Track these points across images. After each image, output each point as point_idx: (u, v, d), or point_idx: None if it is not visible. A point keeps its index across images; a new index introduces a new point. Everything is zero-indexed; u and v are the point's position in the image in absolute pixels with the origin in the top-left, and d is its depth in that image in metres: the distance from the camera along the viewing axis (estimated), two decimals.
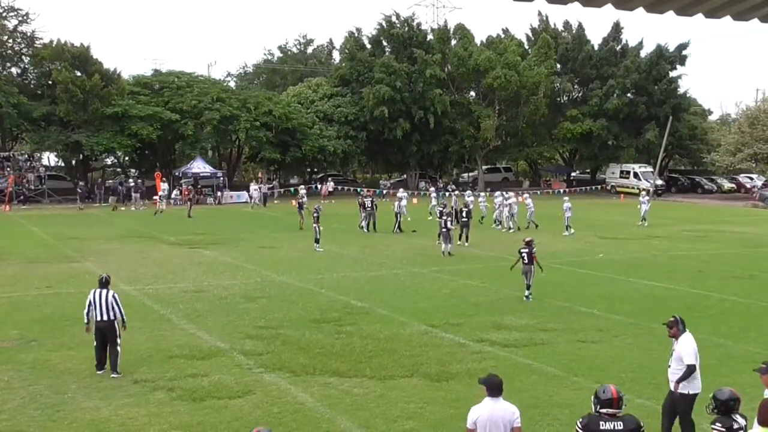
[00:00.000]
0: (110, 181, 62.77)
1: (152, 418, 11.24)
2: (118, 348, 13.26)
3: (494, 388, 7.83)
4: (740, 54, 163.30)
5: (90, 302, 13.32)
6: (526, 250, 20.59)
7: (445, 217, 29.52)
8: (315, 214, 31.08)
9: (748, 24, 7.86)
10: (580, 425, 7.05)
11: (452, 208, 35.82)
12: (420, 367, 13.78)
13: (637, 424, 7.08)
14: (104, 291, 13.32)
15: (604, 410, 7.06)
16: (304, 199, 41.29)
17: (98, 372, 13.22)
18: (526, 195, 40.49)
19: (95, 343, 13.33)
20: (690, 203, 63.58)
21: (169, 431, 10.75)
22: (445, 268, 25.90)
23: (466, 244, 31.73)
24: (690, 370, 9.79)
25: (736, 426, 7.13)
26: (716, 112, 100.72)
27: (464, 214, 32.72)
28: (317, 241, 30.34)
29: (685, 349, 9.88)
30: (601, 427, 6.93)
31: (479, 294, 21.24)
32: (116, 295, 13.46)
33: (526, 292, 20.42)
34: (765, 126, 65.60)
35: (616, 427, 6.94)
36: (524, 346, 15.44)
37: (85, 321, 13.50)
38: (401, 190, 47.88)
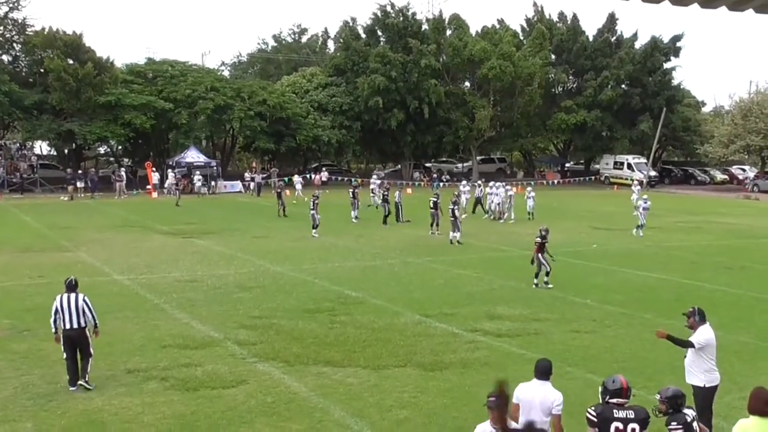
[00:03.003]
0: (92, 170, 62.35)
1: (145, 407, 11.23)
2: (90, 358, 12.13)
3: (542, 371, 8.07)
4: (734, 46, 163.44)
5: (57, 309, 12.02)
6: (538, 239, 20.66)
7: (451, 206, 29.79)
8: (313, 201, 31.13)
9: (743, 15, 7.85)
10: (594, 413, 7.12)
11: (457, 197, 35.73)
12: (414, 357, 13.80)
13: (646, 413, 7.19)
14: (73, 295, 12.07)
15: (613, 400, 7.17)
16: (282, 186, 41.99)
17: (71, 388, 11.90)
18: (529, 188, 40.40)
19: (65, 356, 12.00)
20: (683, 194, 63.71)
21: (162, 421, 10.74)
22: (439, 258, 25.91)
23: (438, 231, 32.05)
24: (687, 344, 9.75)
25: (689, 419, 7.21)
26: (710, 104, 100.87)
27: (432, 204, 32.94)
28: (315, 227, 30.46)
29: (699, 336, 9.77)
30: (615, 415, 7.03)
31: (473, 284, 21.26)
32: (87, 299, 12.18)
33: (535, 280, 20.63)
34: (758, 118, 65.74)
35: (628, 416, 7.05)
36: (517, 336, 15.48)
37: (53, 330, 12.18)
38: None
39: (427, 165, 77.42)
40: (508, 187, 39.84)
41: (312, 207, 31.02)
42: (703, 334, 9.78)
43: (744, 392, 7.87)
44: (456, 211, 29.74)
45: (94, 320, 12.22)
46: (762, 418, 6.94)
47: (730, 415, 9.94)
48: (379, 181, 47.30)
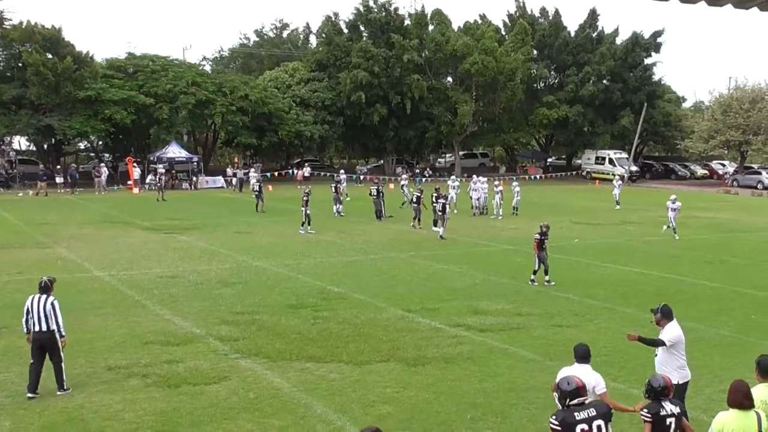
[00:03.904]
0: (73, 165, 61.83)
1: (127, 404, 11.15)
2: (62, 363, 11.65)
3: (581, 355, 8.60)
4: (714, 42, 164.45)
5: (28, 309, 11.61)
6: (538, 236, 20.59)
7: (442, 201, 30.05)
8: (305, 198, 31.04)
9: (721, 11, 7.88)
10: (556, 421, 6.84)
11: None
12: (396, 352, 13.79)
13: (607, 407, 7.13)
14: (43, 297, 11.60)
15: (573, 402, 6.97)
16: (260, 183, 41.73)
17: (29, 395, 11.37)
18: (514, 183, 40.45)
19: (31, 360, 11.60)
20: (664, 189, 64.01)
21: (143, 418, 10.67)
22: (421, 253, 25.92)
23: (420, 226, 32.30)
24: (658, 343, 9.71)
25: (663, 412, 7.16)
26: (690, 100, 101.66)
27: (414, 199, 33.25)
28: (304, 223, 30.60)
29: (669, 333, 9.72)
30: (578, 417, 6.86)
31: (456, 279, 21.28)
32: (56, 302, 11.63)
33: (532, 276, 20.55)
34: (737, 114, 66.18)
35: (590, 414, 6.89)
36: (500, 330, 15.50)
37: (25, 331, 11.75)
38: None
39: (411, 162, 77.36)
40: (497, 182, 39.73)
41: (304, 204, 30.85)
42: (672, 331, 9.72)
43: (724, 385, 7.91)
44: (446, 207, 30.04)
45: (59, 327, 11.60)
46: (741, 410, 6.97)
47: (710, 408, 10.01)
48: (407, 178, 46.71)
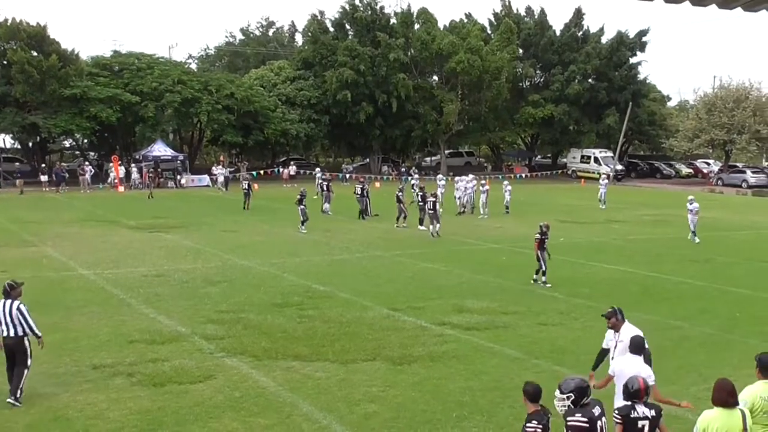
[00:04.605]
0: (63, 164, 61.59)
1: (112, 403, 11.11)
2: (26, 370, 11.13)
3: (636, 345, 8.80)
4: (698, 41, 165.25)
5: None
6: (538, 235, 20.51)
7: (432, 199, 30.32)
8: (299, 197, 31.00)
9: (706, 11, 7.92)
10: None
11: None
12: (382, 351, 13.80)
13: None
14: (8, 302, 11.15)
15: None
16: (248, 182, 41.68)
17: (8, 400, 11.05)
18: (505, 182, 40.54)
19: (6, 364, 11.34)
20: (649, 188, 64.35)
21: (128, 416, 10.64)
22: (407, 251, 25.94)
23: (404, 224, 32.57)
24: (603, 353, 9.72)
25: (634, 414, 7.13)
26: (675, 99, 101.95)
27: (396, 198, 33.53)
28: (305, 222, 30.53)
29: (625, 335, 9.43)
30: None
31: (441, 278, 21.31)
32: (22, 307, 11.15)
33: (534, 276, 20.45)
34: (721, 113, 66.48)
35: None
36: (486, 329, 15.53)
37: None
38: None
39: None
40: (484, 182, 39.78)
41: (298, 203, 30.76)
42: (628, 333, 9.45)
43: (708, 383, 7.96)
44: (437, 205, 30.32)
45: (32, 329, 11.18)
46: (726, 409, 7.01)
47: (695, 406, 10.04)
48: (418, 177, 46.21)
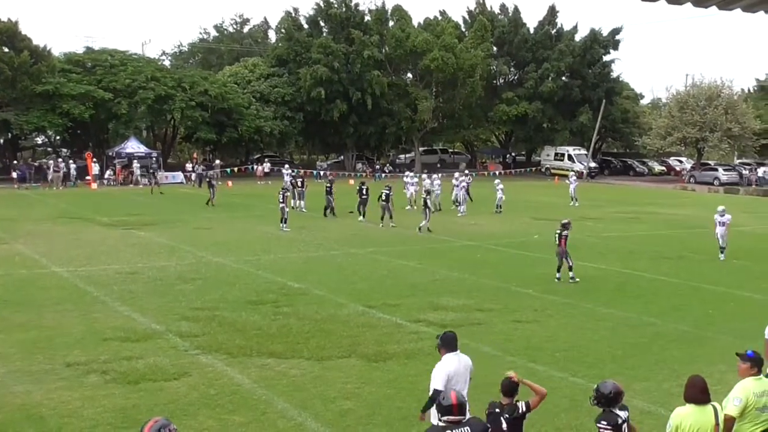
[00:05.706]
0: (40, 161, 61.10)
1: (86, 401, 11.03)
2: None
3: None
4: (671, 39, 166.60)
5: None
6: (559, 232, 20.54)
7: (424, 195, 31.04)
8: (281, 194, 30.81)
9: (680, 9, 7.95)
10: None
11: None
12: (357, 348, 13.80)
13: (484, 425, 6.90)
14: None
15: (445, 418, 6.64)
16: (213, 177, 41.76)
17: None
18: (497, 180, 40.58)
19: None
20: (622, 185, 64.81)
21: (102, 414, 10.57)
22: (382, 249, 25.95)
23: (362, 218, 33.23)
24: (433, 395, 8.35)
25: (620, 421, 7.09)
26: (648, 97, 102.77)
27: (364, 192, 34.05)
28: (286, 220, 30.23)
29: (436, 370, 8.59)
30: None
31: (416, 275, 21.33)
32: None
33: (557, 274, 20.44)
34: (693, 111, 67.05)
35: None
36: (461, 326, 15.51)
37: None
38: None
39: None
40: (462, 179, 39.54)
41: (281, 201, 30.55)
42: (442, 368, 8.62)
43: (681, 380, 8.02)
44: (428, 201, 30.73)
45: None
46: (698, 405, 7.05)
47: (668, 403, 10.15)
48: (416, 179, 42.49)
